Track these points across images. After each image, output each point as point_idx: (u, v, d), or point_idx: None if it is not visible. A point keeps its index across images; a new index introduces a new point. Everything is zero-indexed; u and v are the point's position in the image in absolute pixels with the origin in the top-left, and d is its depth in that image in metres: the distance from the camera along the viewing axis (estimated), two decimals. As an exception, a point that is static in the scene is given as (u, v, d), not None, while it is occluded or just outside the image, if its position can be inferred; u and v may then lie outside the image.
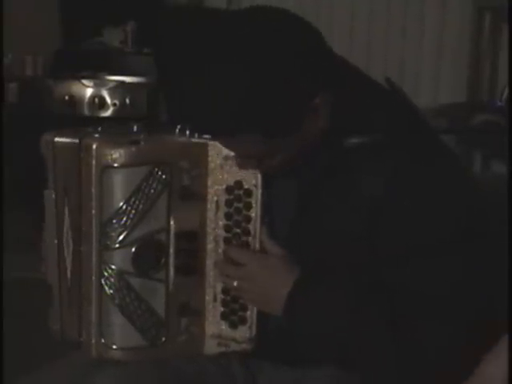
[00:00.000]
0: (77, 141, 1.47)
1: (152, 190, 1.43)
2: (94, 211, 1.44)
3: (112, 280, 1.45)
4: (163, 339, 1.49)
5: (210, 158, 1.47)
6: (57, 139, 1.52)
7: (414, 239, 1.38)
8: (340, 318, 1.41)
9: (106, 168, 1.42)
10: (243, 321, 1.49)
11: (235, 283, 1.47)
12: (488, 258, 1.41)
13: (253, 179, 1.45)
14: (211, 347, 1.52)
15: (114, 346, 1.48)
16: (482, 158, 3.32)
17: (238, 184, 1.46)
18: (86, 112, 3.49)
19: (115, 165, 1.41)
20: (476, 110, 3.15)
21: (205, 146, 1.47)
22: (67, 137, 1.51)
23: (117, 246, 1.44)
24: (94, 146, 1.43)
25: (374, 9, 3.59)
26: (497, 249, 1.42)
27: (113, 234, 1.43)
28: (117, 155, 1.41)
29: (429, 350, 1.37)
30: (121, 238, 1.44)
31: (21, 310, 2.84)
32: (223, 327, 1.51)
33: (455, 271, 1.37)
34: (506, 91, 3.05)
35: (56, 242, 1.54)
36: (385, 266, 1.39)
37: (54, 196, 1.53)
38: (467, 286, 1.38)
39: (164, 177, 1.43)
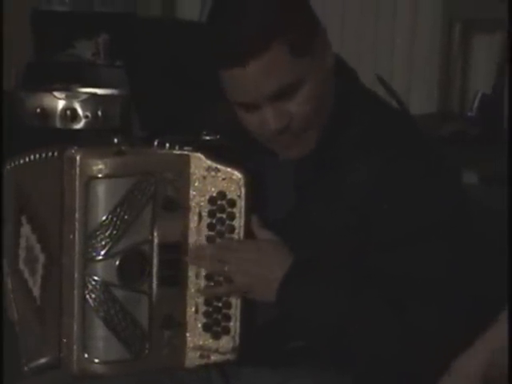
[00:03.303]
0: (55, 154, 1.47)
1: (137, 202, 1.43)
2: (77, 223, 1.44)
3: (96, 292, 1.44)
4: (146, 352, 1.48)
5: (192, 170, 1.47)
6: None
7: (404, 226, 1.42)
8: (336, 301, 1.43)
9: (91, 179, 1.41)
10: (226, 331, 1.49)
11: (226, 268, 1.47)
12: (475, 242, 1.46)
13: (236, 189, 1.45)
14: (193, 359, 1.51)
15: (97, 360, 1.47)
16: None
17: (221, 194, 1.46)
18: (58, 124, 3.46)
19: (99, 176, 1.41)
20: (446, 121, 3.18)
21: (188, 157, 1.47)
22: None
23: (101, 258, 1.43)
24: (78, 158, 1.43)
25: (345, 19, 3.60)
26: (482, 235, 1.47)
27: (97, 245, 1.43)
28: (101, 166, 1.41)
29: (426, 332, 1.40)
30: (105, 249, 1.43)
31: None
32: (205, 338, 1.50)
33: (445, 255, 1.42)
34: (477, 101, 3.09)
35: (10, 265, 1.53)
36: (377, 253, 1.42)
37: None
38: (457, 268, 1.42)
39: (149, 188, 1.43)
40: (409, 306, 1.40)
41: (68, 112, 3.44)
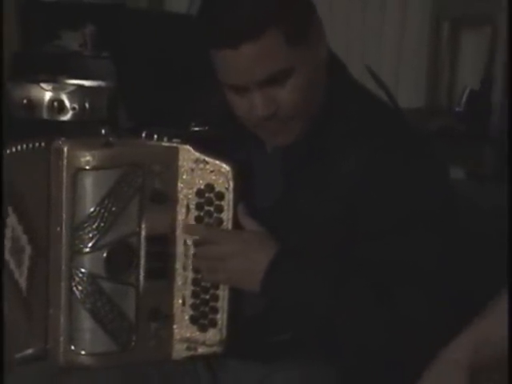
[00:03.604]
0: (42, 145, 1.46)
1: (124, 194, 1.42)
2: (64, 215, 1.43)
3: (83, 284, 1.44)
4: (133, 344, 1.48)
5: (180, 162, 1.47)
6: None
7: (391, 215, 1.42)
8: (322, 290, 1.43)
9: (78, 171, 1.40)
10: (213, 323, 1.49)
11: (211, 262, 1.47)
12: (461, 234, 1.47)
13: (225, 182, 1.45)
14: (180, 351, 1.51)
15: (83, 352, 1.47)
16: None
17: (210, 187, 1.46)
18: (45, 116, 3.44)
19: (87, 167, 1.40)
20: (433, 115, 3.19)
21: (176, 149, 1.46)
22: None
23: (88, 250, 1.43)
24: (65, 149, 1.42)
25: (333, 14, 3.60)
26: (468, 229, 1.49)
27: (84, 237, 1.42)
28: (89, 158, 1.40)
29: (413, 321, 1.40)
30: (92, 241, 1.42)
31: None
32: (192, 331, 1.50)
33: (431, 244, 1.43)
34: (465, 97, 3.10)
35: None
36: (364, 242, 1.43)
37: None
38: (444, 258, 1.43)
39: (136, 180, 1.42)
40: (396, 295, 1.41)
41: (55, 103, 3.42)
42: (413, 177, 1.44)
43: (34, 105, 3.47)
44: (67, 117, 3.47)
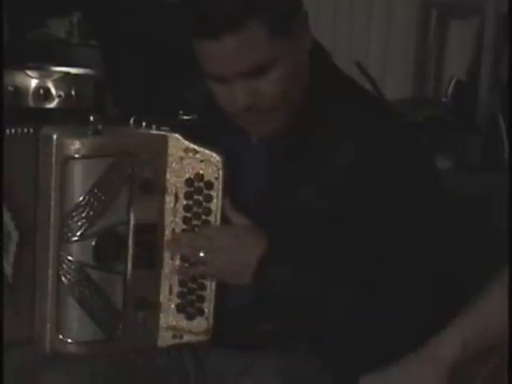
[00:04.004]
0: (31, 132, 1.45)
1: (113, 183, 1.42)
2: (53, 203, 1.43)
3: (71, 272, 1.43)
4: (119, 332, 1.48)
5: (170, 151, 1.46)
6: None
7: (377, 208, 1.43)
8: (312, 282, 1.44)
9: (67, 159, 1.40)
10: (200, 312, 1.49)
11: (201, 253, 1.47)
12: (448, 226, 1.47)
13: (214, 171, 1.45)
14: (166, 339, 1.52)
15: (70, 340, 1.47)
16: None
17: (199, 176, 1.46)
18: (31, 103, 3.41)
19: (77, 156, 1.40)
20: (420, 106, 3.19)
21: (165, 138, 1.46)
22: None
23: (77, 238, 1.43)
24: (55, 137, 1.41)
25: (319, 3, 3.60)
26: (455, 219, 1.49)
27: (73, 226, 1.42)
28: (79, 146, 1.40)
29: (400, 310, 1.41)
30: (81, 230, 1.42)
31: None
32: (179, 319, 1.51)
33: (417, 237, 1.43)
34: (452, 86, 3.10)
35: None
36: (351, 235, 1.43)
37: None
38: (430, 250, 1.43)
39: (125, 169, 1.42)
40: (383, 287, 1.41)
41: (41, 91, 3.41)
42: (398, 169, 1.44)
43: (19, 92, 3.45)
44: (53, 104, 3.45)
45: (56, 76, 3.50)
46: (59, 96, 3.50)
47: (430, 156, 1.55)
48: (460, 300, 1.31)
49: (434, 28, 3.36)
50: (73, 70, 3.51)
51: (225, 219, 1.48)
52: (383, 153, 1.44)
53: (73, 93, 3.48)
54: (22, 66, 3.48)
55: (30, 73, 3.56)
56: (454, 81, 3.11)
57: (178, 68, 1.79)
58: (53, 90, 3.50)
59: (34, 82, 3.53)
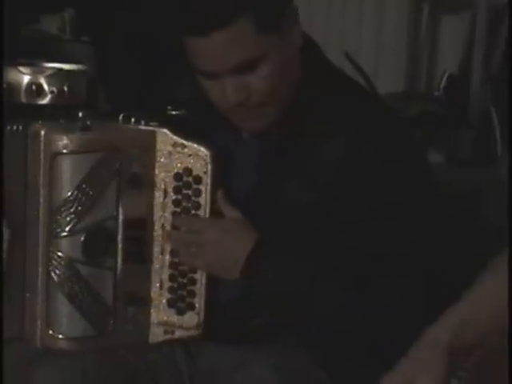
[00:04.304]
0: (20, 128, 1.46)
1: (102, 178, 1.42)
2: (41, 199, 1.43)
3: (60, 268, 1.43)
4: (110, 328, 1.48)
5: (158, 146, 1.46)
6: None
7: (368, 203, 1.43)
8: (302, 277, 1.44)
9: (55, 155, 1.40)
10: (191, 307, 1.50)
11: (191, 249, 1.48)
12: (439, 220, 1.48)
13: (203, 166, 1.45)
14: (157, 335, 1.52)
15: (61, 336, 1.47)
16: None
17: (187, 171, 1.46)
18: (24, 99, 3.41)
19: (65, 151, 1.40)
20: (413, 100, 3.19)
21: (154, 133, 1.46)
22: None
23: (66, 234, 1.43)
24: (43, 133, 1.41)
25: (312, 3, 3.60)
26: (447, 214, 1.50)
27: (62, 221, 1.42)
28: (67, 142, 1.40)
29: (390, 305, 1.41)
30: (70, 225, 1.42)
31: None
32: (170, 314, 1.51)
33: (409, 230, 1.43)
34: (444, 80, 3.10)
35: None
36: (342, 229, 1.43)
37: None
38: (421, 244, 1.43)
39: (114, 164, 1.42)
40: (374, 282, 1.41)
41: (33, 87, 3.41)
42: (390, 163, 1.44)
43: (12, 88, 3.45)
44: (46, 100, 3.45)
45: (48, 72, 3.50)
46: (52, 92, 3.50)
47: (421, 150, 1.55)
48: (450, 293, 1.32)
49: (426, 22, 3.35)
50: (65, 66, 3.51)
51: (215, 213, 1.47)
52: (375, 146, 1.44)
53: (65, 89, 3.48)
54: (15, 63, 3.48)
55: (22, 69, 3.56)
56: (446, 75, 3.11)
57: (170, 64, 1.79)
58: (45, 86, 3.50)
59: (26, 78, 3.53)
